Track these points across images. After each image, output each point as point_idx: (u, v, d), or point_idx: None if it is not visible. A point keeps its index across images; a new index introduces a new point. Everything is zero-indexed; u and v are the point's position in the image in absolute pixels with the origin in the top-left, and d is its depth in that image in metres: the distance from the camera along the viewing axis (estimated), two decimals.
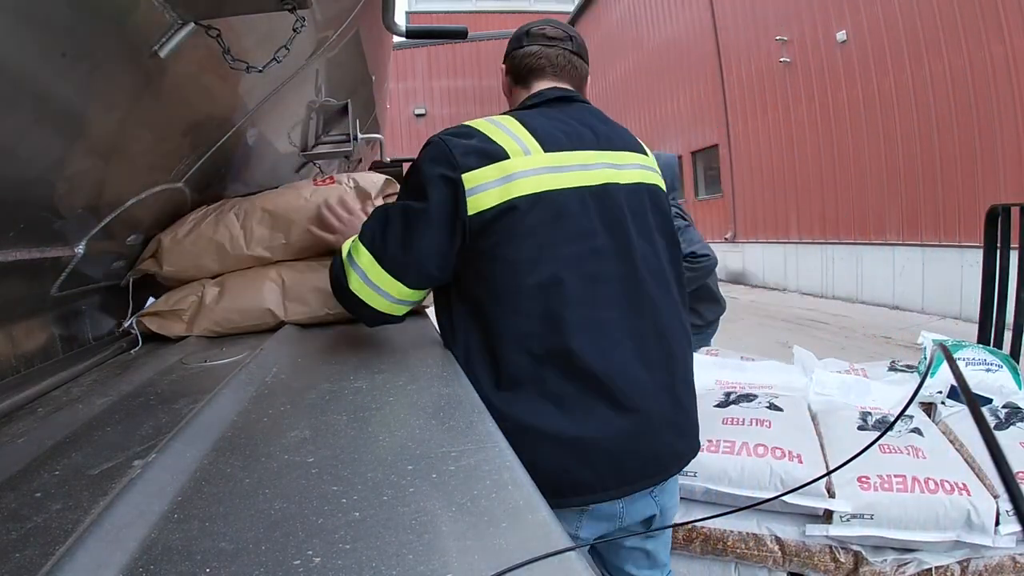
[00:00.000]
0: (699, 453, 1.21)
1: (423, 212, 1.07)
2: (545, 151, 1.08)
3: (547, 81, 1.23)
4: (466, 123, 1.15)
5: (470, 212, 1.05)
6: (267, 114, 1.93)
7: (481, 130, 1.10)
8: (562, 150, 1.10)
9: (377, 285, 1.15)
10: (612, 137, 1.18)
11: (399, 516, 0.62)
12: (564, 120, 1.14)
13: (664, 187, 1.25)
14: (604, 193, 1.11)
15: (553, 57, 1.21)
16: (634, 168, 1.18)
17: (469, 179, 1.05)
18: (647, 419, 1.07)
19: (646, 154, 1.25)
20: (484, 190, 1.04)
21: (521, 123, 1.11)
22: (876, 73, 7.43)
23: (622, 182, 1.14)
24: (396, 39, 2.95)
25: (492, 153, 1.06)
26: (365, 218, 1.32)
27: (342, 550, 0.56)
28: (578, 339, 1.03)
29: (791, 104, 9.05)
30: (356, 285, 1.16)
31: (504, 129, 1.10)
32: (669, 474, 1.14)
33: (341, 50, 2.15)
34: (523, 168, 1.05)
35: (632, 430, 1.05)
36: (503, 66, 1.30)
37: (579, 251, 1.07)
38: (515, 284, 1.06)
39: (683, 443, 1.15)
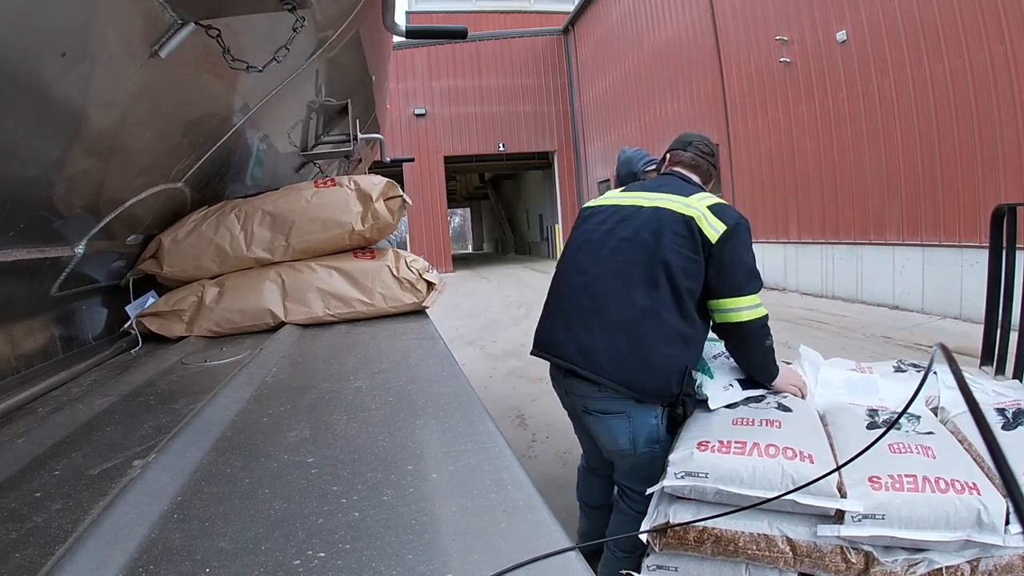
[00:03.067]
0: (711, 454, 1.46)
1: None
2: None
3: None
4: None
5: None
6: (267, 114, 1.93)
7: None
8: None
9: None
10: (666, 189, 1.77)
11: (399, 516, 0.62)
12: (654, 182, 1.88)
13: (684, 212, 1.65)
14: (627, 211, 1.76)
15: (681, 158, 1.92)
16: (661, 200, 1.72)
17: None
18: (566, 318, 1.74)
19: (686, 196, 1.71)
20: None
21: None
22: (876, 73, 7.43)
23: (638, 205, 1.74)
24: (396, 39, 2.95)
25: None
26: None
27: (342, 550, 0.56)
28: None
29: (791, 104, 9.04)
30: None
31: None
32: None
33: (341, 50, 2.15)
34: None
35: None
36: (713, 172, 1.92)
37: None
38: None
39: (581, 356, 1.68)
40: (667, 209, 1.67)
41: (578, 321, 1.70)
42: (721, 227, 1.62)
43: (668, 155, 1.94)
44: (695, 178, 1.85)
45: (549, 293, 1.86)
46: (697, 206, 1.66)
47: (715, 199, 1.72)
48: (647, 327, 1.62)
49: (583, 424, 1.84)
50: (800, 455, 1.47)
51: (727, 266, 1.61)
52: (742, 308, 1.63)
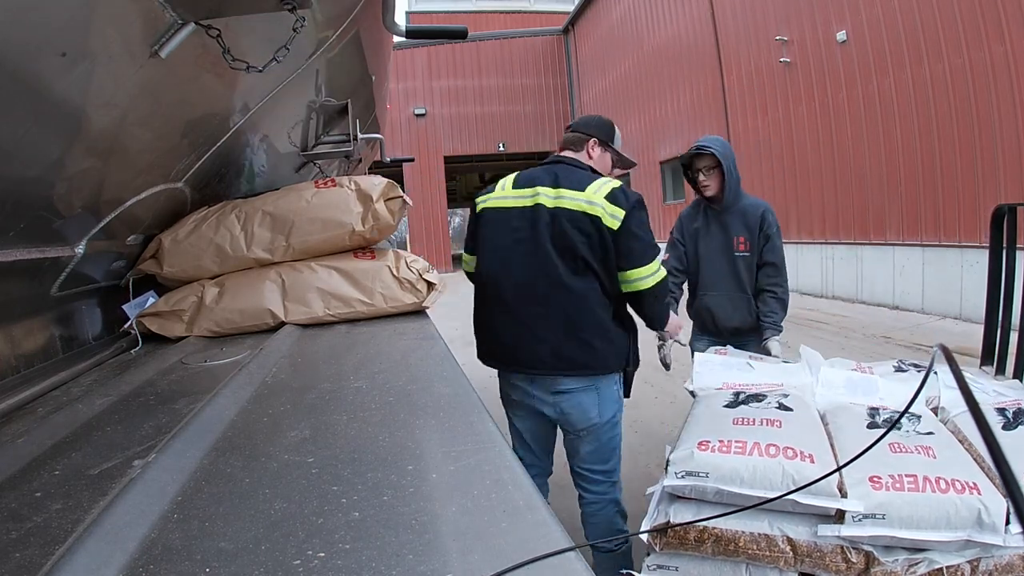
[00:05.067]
0: (712, 454, 1.48)
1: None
2: (513, 188, 1.93)
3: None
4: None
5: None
6: (267, 114, 1.93)
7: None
8: (521, 187, 1.92)
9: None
10: (561, 180, 1.86)
11: (399, 516, 0.62)
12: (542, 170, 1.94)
13: (588, 211, 1.79)
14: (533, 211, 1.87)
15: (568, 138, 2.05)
16: (564, 199, 1.83)
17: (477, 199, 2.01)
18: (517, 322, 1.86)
19: (582, 190, 1.82)
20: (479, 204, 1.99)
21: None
22: (876, 73, 7.43)
23: (548, 205, 1.84)
24: (396, 39, 2.95)
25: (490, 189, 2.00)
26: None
27: (342, 550, 0.56)
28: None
29: (791, 104, 9.05)
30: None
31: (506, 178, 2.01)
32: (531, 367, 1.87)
33: (341, 50, 2.15)
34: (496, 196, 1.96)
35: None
36: (610, 156, 2.06)
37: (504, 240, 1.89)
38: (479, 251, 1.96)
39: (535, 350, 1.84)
40: (570, 209, 1.81)
41: (527, 330, 1.84)
42: (620, 213, 1.78)
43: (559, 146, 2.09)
44: (584, 159, 1.97)
45: (483, 304, 1.94)
46: (597, 200, 1.79)
47: (609, 186, 1.83)
48: (587, 316, 1.82)
49: (533, 419, 1.98)
50: (801, 455, 1.47)
51: (628, 243, 1.80)
52: (645, 276, 1.82)
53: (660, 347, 2.49)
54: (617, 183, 1.85)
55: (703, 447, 1.50)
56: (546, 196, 1.84)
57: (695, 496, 1.49)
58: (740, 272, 2.62)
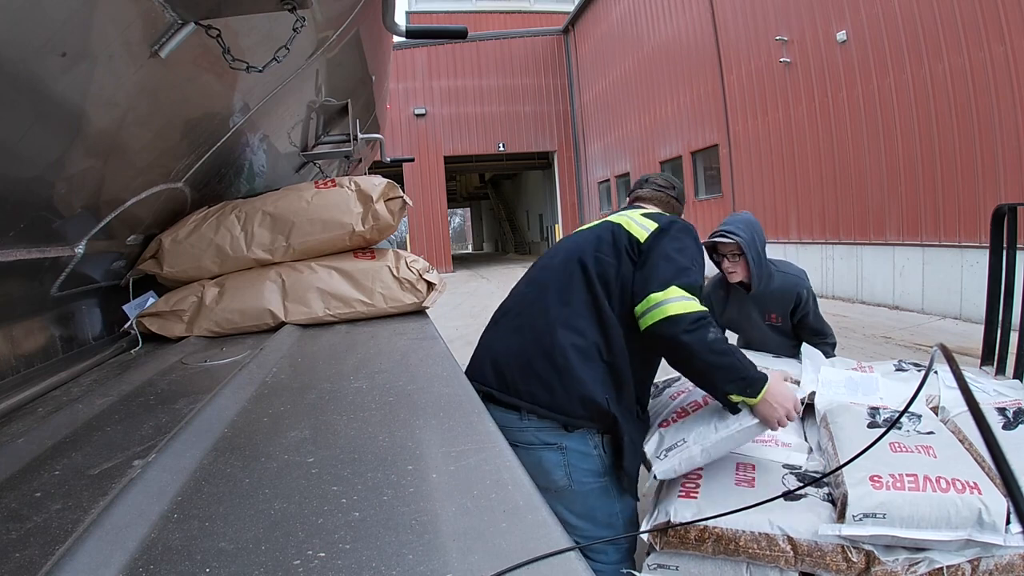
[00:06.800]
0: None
1: None
2: None
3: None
4: None
5: None
6: (267, 114, 1.93)
7: None
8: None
9: None
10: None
11: (399, 516, 0.62)
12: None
13: (615, 220, 1.61)
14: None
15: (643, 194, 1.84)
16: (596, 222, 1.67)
17: None
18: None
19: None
20: None
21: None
22: (876, 73, 7.43)
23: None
24: (396, 39, 2.95)
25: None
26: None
27: (342, 550, 0.56)
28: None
29: (791, 104, 9.05)
30: None
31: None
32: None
33: (341, 50, 2.15)
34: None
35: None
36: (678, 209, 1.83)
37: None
38: None
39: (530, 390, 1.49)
40: (599, 224, 1.65)
41: (502, 350, 1.56)
42: (652, 226, 1.52)
43: (629, 196, 1.89)
44: (653, 209, 1.73)
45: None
46: (629, 215, 1.61)
47: (655, 210, 1.69)
48: (573, 356, 1.46)
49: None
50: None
51: (654, 260, 1.45)
52: (669, 300, 1.37)
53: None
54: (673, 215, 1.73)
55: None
56: (589, 225, 1.76)
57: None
58: (774, 338, 2.42)
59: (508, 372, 1.51)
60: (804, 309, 2.32)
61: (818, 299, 2.46)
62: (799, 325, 2.35)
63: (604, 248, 1.54)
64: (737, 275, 2.28)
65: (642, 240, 1.51)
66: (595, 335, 1.48)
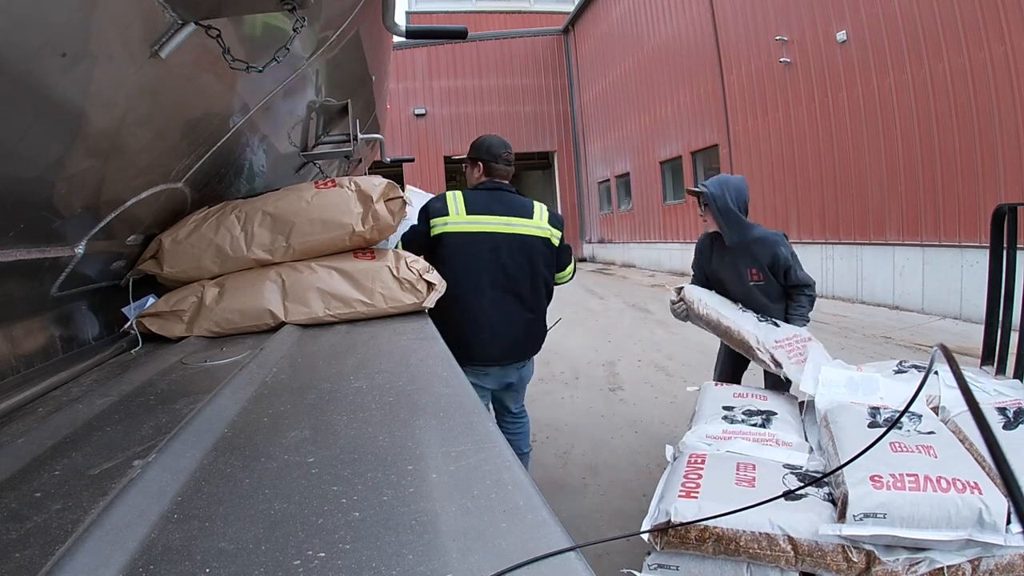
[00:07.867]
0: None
1: (417, 229, 2.38)
2: (468, 213, 2.33)
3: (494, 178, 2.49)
4: (444, 192, 2.38)
5: (432, 234, 2.35)
6: (267, 114, 1.93)
7: (447, 197, 2.37)
8: (477, 214, 2.34)
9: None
10: (512, 208, 2.38)
11: (399, 516, 0.62)
12: (488, 197, 2.40)
13: (540, 235, 2.38)
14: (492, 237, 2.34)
15: (503, 171, 2.49)
16: (518, 226, 2.36)
17: (433, 221, 2.34)
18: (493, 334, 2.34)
19: (530, 217, 2.39)
20: (437, 226, 2.33)
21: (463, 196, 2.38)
22: (876, 73, 7.43)
23: (505, 232, 2.34)
24: (396, 39, 2.95)
25: (442, 210, 2.34)
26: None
27: (342, 550, 0.56)
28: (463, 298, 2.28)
29: (791, 104, 9.05)
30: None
31: (454, 198, 2.37)
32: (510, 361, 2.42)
33: (341, 50, 2.15)
34: (454, 220, 2.33)
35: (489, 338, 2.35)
36: (479, 164, 2.45)
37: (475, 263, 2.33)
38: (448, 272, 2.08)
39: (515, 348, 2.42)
40: (529, 236, 2.36)
41: (503, 335, 2.35)
42: (559, 233, 2.45)
43: (482, 164, 2.44)
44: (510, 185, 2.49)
45: (460, 311, 2.25)
46: (544, 225, 2.39)
47: (546, 210, 2.44)
48: (537, 324, 2.47)
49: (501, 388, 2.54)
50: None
51: (562, 255, 2.50)
52: (567, 276, 2.57)
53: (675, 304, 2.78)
54: (545, 206, 2.47)
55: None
56: (505, 225, 2.36)
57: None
58: (758, 297, 2.66)
59: (521, 346, 2.47)
60: (785, 264, 2.63)
61: (818, 299, 2.61)
62: (785, 278, 2.66)
63: (547, 258, 2.46)
64: (710, 224, 2.73)
65: (557, 244, 2.48)
66: (544, 308, 2.56)
